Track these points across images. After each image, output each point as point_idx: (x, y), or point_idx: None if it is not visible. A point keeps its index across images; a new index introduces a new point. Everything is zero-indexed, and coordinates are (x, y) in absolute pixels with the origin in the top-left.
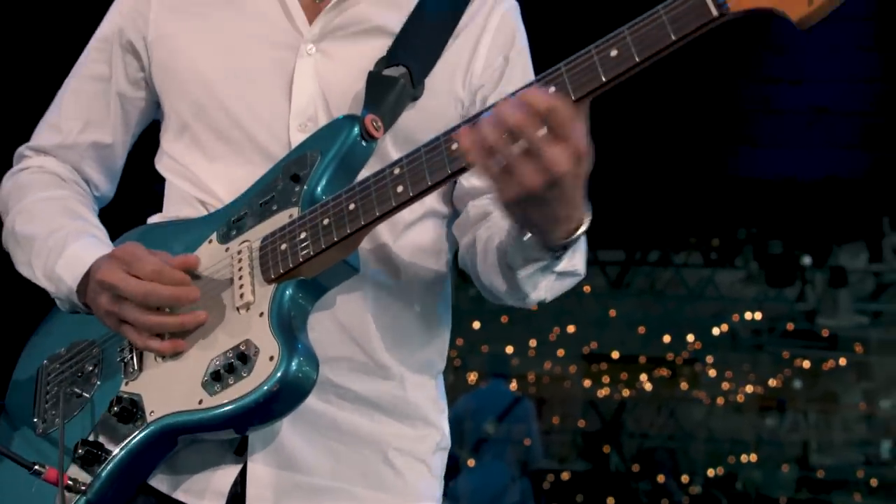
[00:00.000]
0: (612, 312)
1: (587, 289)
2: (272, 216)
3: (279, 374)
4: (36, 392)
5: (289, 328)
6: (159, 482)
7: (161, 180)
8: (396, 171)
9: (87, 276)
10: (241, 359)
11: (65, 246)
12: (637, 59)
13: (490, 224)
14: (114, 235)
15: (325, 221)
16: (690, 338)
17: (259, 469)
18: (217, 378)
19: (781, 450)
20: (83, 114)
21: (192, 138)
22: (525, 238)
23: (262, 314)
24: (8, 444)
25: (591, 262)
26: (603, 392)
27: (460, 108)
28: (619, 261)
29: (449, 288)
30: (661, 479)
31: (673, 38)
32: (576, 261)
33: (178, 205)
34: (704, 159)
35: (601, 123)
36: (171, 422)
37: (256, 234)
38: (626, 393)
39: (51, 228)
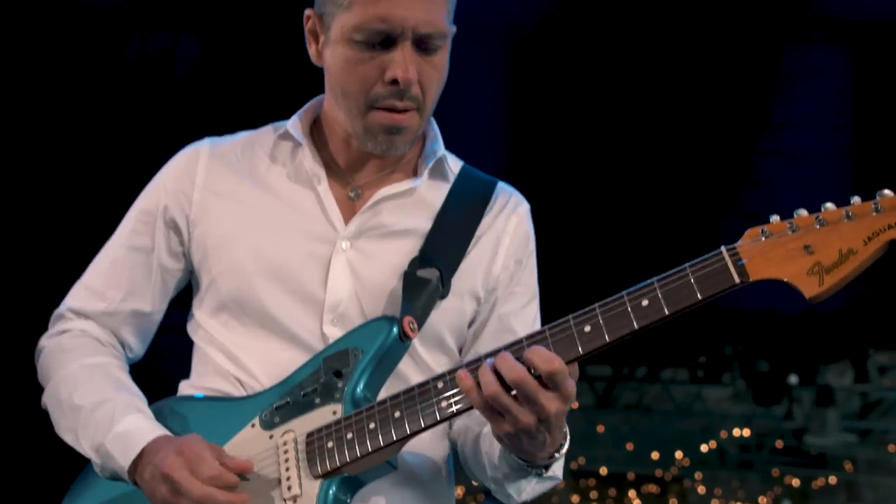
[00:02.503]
0: (600, 428)
1: (575, 405)
2: (315, 409)
3: None
4: None
5: None
6: None
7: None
8: (440, 384)
9: (140, 457)
10: None
11: (113, 421)
12: (666, 313)
13: (480, 419)
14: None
15: (371, 425)
16: (679, 454)
17: None
18: None
19: None
20: (125, 283)
21: (228, 317)
22: (513, 457)
23: None
24: None
25: (579, 377)
26: None
27: (476, 305)
28: (606, 376)
29: (452, 461)
30: None
31: (699, 297)
32: (555, 468)
33: (213, 377)
34: None
35: (597, 253)
36: None
37: (301, 427)
38: None
39: (97, 400)
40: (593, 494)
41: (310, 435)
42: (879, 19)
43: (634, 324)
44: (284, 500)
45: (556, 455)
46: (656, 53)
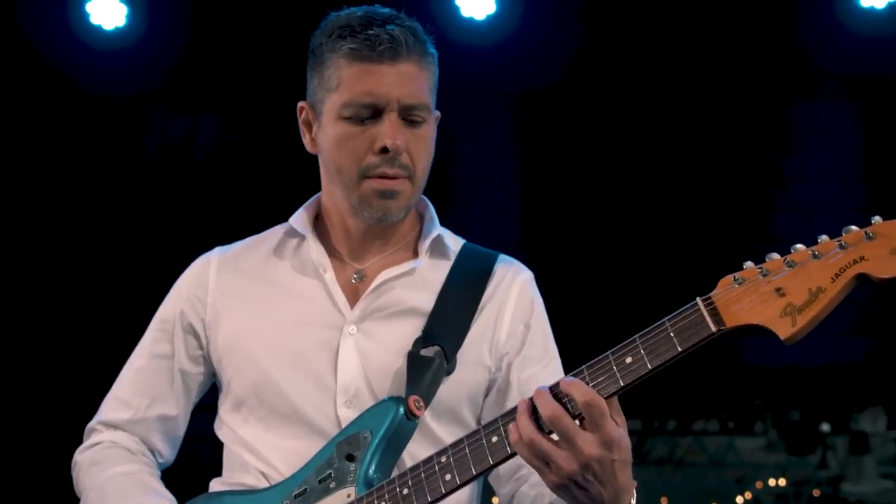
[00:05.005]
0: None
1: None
2: (331, 494)
3: None
4: None
5: None
6: None
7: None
8: (443, 459)
9: None
10: None
11: None
12: (650, 367)
13: (532, 482)
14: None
15: None
16: None
17: None
18: None
19: None
20: (150, 390)
21: (248, 412)
22: None
23: None
24: None
25: None
26: None
27: (488, 375)
28: (636, 430)
29: None
30: None
31: (679, 350)
32: None
33: (239, 472)
34: (710, 348)
35: (611, 316)
36: None
37: None
38: None
39: None
40: None
41: None
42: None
43: (620, 381)
44: None
45: None
46: (667, 114)
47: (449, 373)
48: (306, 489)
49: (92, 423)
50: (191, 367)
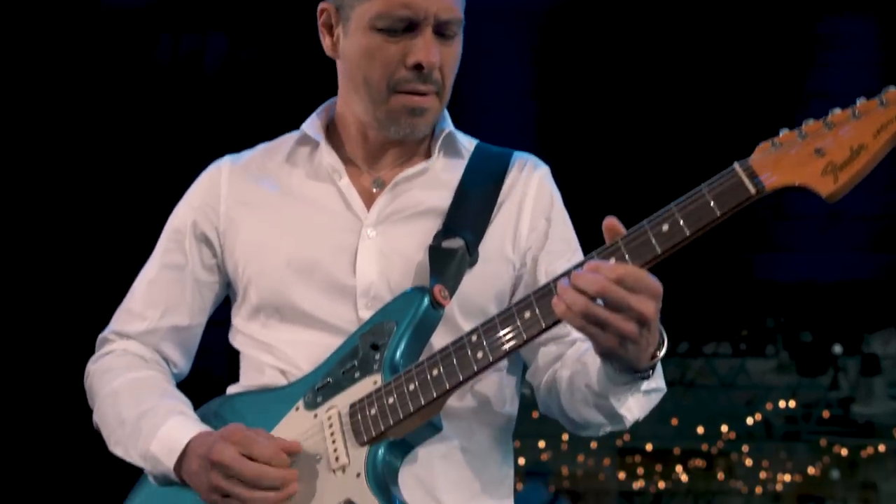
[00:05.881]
0: None
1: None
2: (356, 383)
3: None
4: None
5: (384, 485)
6: None
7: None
8: (474, 338)
9: (184, 454)
10: None
11: (156, 427)
12: (687, 234)
13: (566, 363)
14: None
15: (411, 387)
16: (724, 428)
17: None
18: None
19: None
20: (163, 301)
21: (266, 318)
22: (617, 370)
23: (358, 475)
24: None
25: None
26: (638, 485)
27: (512, 270)
28: None
29: (512, 433)
30: None
31: (718, 214)
32: (658, 379)
33: (257, 375)
34: (724, 264)
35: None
36: None
37: (343, 401)
38: (661, 485)
39: (141, 410)
40: (640, 471)
41: (352, 406)
42: None
43: (657, 248)
44: (333, 471)
45: (658, 354)
46: (688, 29)
47: (472, 264)
48: (329, 381)
49: (104, 334)
50: (205, 277)
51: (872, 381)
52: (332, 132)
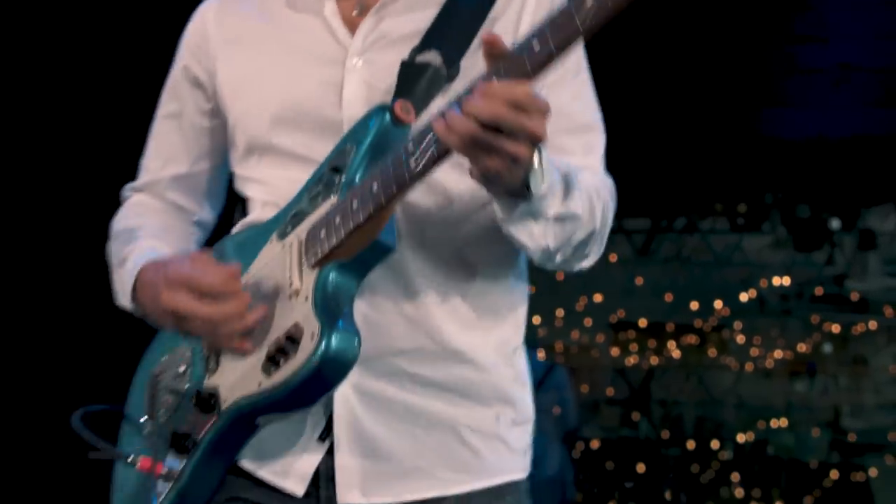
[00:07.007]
0: (639, 280)
1: (613, 257)
2: (318, 208)
3: (320, 350)
4: (145, 397)
5: (329, 308)
6: (247, 463)
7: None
8: (410, 147)
9: (136, 289)
10: (291, 340)
11: (124, 267)
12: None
13: None
14: None
15: (354, 204)
16: (718, 304)
17: (345, 458)
18: (273, 361)
19: (812, 414)
20: (163, 151)
21: (258, 158)
22: (499, 195)
23: (307, 298)
24: (124, 446)
25: (617, 230)
26: (631, 360)
27: None
28: (644, 229)
29: (524, 260)
30: (690, 445)
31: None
32: (571, 204)
33: (260, 213)
34: (729, 121)
35: (625, 89)
36: (238, 406)
37: (305, 226)
38: (654, 361)
39: (123, 256)
40: (633, 346)
41: (309, 231)
42: None
43: (528, 68)
44: (289, 296)
45: (535, 167)
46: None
47: (450, 79)
48: (300, 209)
49: (123, 189)
50: (202, 121)
51: (867, 256)
52: None
